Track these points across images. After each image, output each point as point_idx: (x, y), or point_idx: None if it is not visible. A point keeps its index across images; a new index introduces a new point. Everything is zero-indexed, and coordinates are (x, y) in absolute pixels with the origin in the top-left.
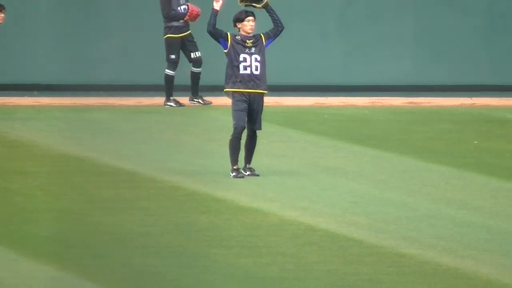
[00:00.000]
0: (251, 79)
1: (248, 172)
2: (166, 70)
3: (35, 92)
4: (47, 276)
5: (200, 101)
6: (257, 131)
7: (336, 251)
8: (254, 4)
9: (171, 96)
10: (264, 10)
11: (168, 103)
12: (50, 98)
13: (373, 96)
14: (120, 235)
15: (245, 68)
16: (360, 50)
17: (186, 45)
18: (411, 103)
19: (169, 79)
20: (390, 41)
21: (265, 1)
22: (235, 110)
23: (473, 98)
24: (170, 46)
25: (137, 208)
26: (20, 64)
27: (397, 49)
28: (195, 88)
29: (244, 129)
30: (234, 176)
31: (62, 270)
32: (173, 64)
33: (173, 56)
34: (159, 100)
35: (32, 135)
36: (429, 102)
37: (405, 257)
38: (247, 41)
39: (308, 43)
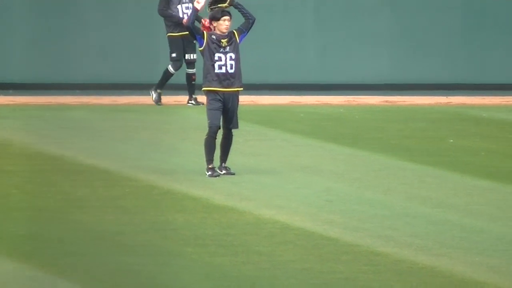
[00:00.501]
0: (226, 78)
1: (223, 171)
2: (168, 67)
3: (10, 91)
4: (23, 275)
5: (193, 102)
6: (233, 130)
7: (311, 250)
8: (220, 5)
9: (159, 89)
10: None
11: (153, 93)
12: (26, 96)
13: (348, 95)
14: (96, 233)
15: (219, 67)
16: (335, 48)
17: (184, 44)
18: (386, 101)
19: (166, 74)
20: (365, 39)
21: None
22: (210, 109)
23: (449, 97)
24: (171, 44)
25: (112, 206)
26: None
27: (373, 47)
28: (190, 89)
29: (219, 128)
30: (210, 175)
31: (38, 268)
32: (175, 62)
33: (174, 54)
34: (135, 98)
35: (7, 134)
36: (404, 101)
37: (380, 256)
38: (222, 40)
39: (284, 41)
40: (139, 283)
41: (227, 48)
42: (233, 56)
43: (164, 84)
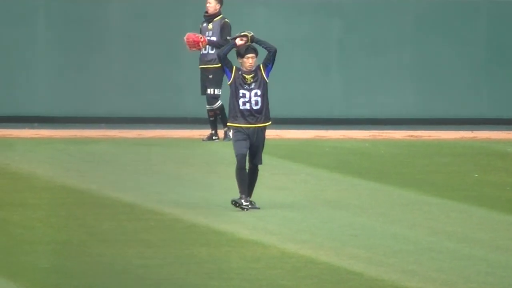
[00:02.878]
0: (250, 114)
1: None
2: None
3: (35, 124)
4: None
5: (216, 138)
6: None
7: (336, 284)
8: (243, 39)
9: (219, 128)
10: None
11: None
12: (50, 130)
13: (373, 129)
14: (120, 267)
15: (244, 103)
16: (360, 82)
17: (203, 78)
18: (411, 136)
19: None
20: (390, 73)
21: (249, 37)
22: (235, 140)
23: (474, 132)
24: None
25: (136, 240)
26: (20, 96)
27: (397, 82)
28: (211, 124)
29: (246, 156)
30: (245, 206)
31: None
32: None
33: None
34: (160, 132)
35: (32, 167)
36: (429, 136)
37: None
38: (247, 76)
39: (309, 76)
40: None
41: (252, 85)
42: (259, 93)
43: (216, 121)
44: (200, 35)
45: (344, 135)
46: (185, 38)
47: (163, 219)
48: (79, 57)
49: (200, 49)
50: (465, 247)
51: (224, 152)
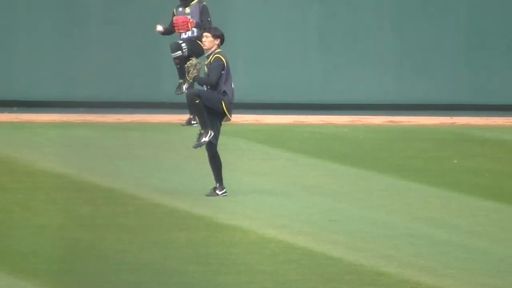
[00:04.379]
0: None
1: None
2: None
3: (15, 108)
4: None
5: (195, 122)
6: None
7: (315, 269)
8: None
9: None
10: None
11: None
12: (29, 114)
13: (353, 115)
14: (98, 251)
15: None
16: (339, 68)
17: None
18: (391, 121)
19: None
20: (370, 59)
21: (191, 77)
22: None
23: (453, 117)
24: None
25: (115, 224)
26: None
27: (378, 67)
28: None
29: None
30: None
31: (41, 286)
32: None
33: None
34: (139, 117)
35: (11, 151)
36: (408, 121)
37: (384, 276)
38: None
39: (288, 61)
40: None
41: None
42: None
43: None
44: (189, 17)
45: (323, 121)
46: (173, 20)
47: (141, 204)
48: (59, 41)
49: (188, 30)
50: (443, 233)
51: None
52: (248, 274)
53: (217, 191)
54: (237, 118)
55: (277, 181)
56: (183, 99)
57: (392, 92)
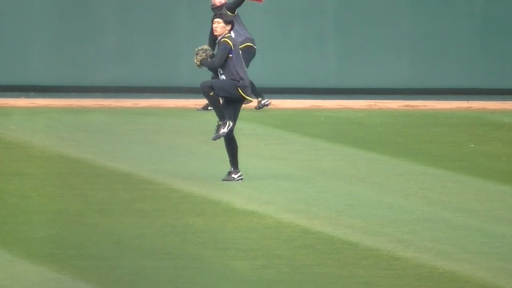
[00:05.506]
0: None
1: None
2: None
3: (32, 93)
4: (42, 278)
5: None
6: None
7: (331, 254)
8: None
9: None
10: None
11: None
12: (46, 99)
13: (369, 99)
14: (116, 236)
15: None
16: (356, 52)
17: None
18: (407, 106)
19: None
20: (386, 44)
21: (198, 59)
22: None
23: (470, 102)
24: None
25: (132, 209)
26: (17, 65)
27: (394, 52)
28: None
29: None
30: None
31: (58, 271)
32: None
33: None
34: (155, 101)
35: (28, 137)
36: (425, 105)
37: (400, 260)
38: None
39: (304, 46)
40: (158, 286)
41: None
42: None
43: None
44: None
45: (340, 105)
46: None
47: (158, 188)
48: (75, 26)
49: (260, 2)
50: (460, 217)
51: None
52: (265, 259)
53: (233, 175)
54: (254, 103)
55: (294, 165)
56: (199, 83)
57: (408, 77)
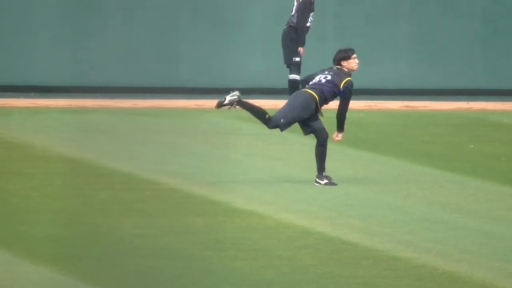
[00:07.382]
0: None
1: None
2: (292, 75)
3: (32, 94)
4: (43, 277)
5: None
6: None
7: (331, 254)
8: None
9: None
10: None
11: None
12: (47, 99)
13: (369, 100)
14: (116, 236)
15: None
16: (356, 53)
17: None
18: (407, 106)
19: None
20: (386, 44)
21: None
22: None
23: (469, 102)
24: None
25: (133, 210)
26: (17, 65)
27: (393, 53)
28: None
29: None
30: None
31: (58, 271)
32: (299, 67)
33: (297, 59)
34: (156, 102)
35: (28, 137)
36: (425, 106)
37: (400, 261)
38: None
39: (305, 46)
40: (158, 286)
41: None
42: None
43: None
44: None
45: None
46: None
47: (159, 189)
48: (76, 26)
49: None
50: (459, 217)
51: (220, 122)
52: (265, 259)
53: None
54: (254, 103)
55: (294, 166)
56: (199, 84)
57: (408, 77)
